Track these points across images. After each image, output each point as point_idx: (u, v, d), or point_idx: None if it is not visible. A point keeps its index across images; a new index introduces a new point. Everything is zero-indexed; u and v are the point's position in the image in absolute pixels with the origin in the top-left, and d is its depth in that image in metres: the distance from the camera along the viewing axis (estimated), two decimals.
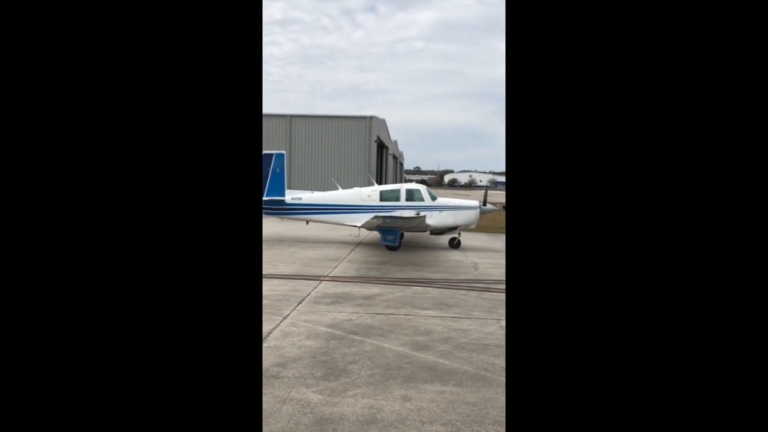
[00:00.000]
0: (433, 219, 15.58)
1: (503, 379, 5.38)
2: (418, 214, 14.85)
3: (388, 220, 14.63)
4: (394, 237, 15.30)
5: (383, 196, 16.32)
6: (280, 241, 16.92)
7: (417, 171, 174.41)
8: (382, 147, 41.19)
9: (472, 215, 16.15)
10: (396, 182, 45.58)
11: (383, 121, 41.57)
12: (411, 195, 16.18)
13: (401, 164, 75.41)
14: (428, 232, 16.88)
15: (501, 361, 5.92)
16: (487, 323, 7.58)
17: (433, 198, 16.22)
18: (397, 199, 16.13)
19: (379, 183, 26.33)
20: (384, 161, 44.31)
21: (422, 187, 16.85)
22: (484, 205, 16.32)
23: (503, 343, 6.65)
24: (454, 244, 16.31)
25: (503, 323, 7.59)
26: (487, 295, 9.63)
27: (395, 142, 57.44)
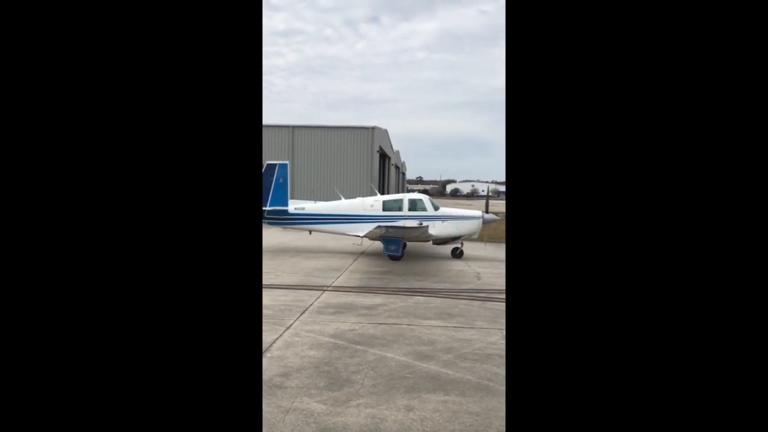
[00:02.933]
0: (435, 229, 15.59)
1: None
2: (421, 223, 14.85)
3: (390, 230, 14.64)
4: (397, 247, 15.30)
5: (386, 205, 16.34)
6: (283, 251, 16.93)
7: (419, 181, 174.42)
8: (384, 157, 41.26)
9: (474, 225, 16.16)
10: (398, 192, 45.63)
11: (385, 131, 41.68)
12: (414, 205, 16.20)
13: (403, 174, 75.48)
14: (431, 242, 16.88)
15: (504, 371, 5.90)
16: (489, 333, 7.57)
17: (436, 208, 16.23)
18: (400, 208, 16.14)
19: (382, 193, 26.35)
20: (386, 171, 44.39)
21: (425, 197, 16.86)
22: (486, 212, 16.34)
23: None
24: (457, 253, 16.30)
25: None
26: (489, 304, 9.62)
27: (397, 152, 57.55)
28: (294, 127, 34.23)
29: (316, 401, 4.93)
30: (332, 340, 7.02)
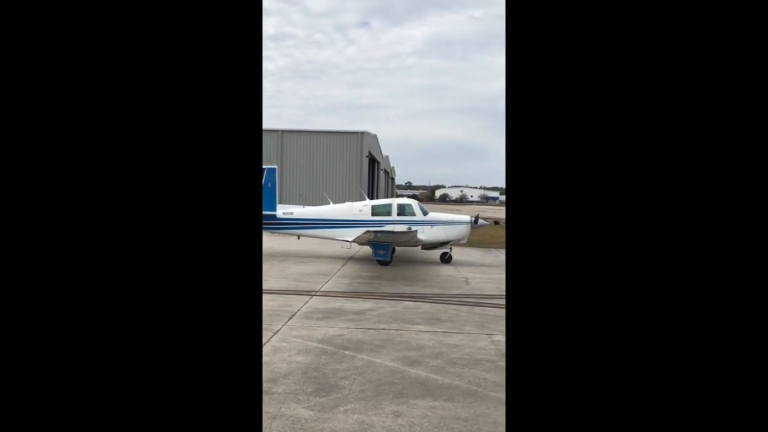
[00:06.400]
0: (424, 234, 15.58)
1: (495, 394, 5.37)
2: (410, 228, 14.85)
3: (379, 235, 14.62)
4: (386, 252, 15.28)
5: (375, 210, 16.33)
6: (271, 256, 16.85)
7: (408, 186, 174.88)
8: (373, 162, 41.29)
9: (463, 230, 16.19)
10: (387, 197, 45.67)
11: (375, 137, 41.73)
12: (402, 210, 16.21)
13: (392, 179, 75.62)
14: (420, 247, 16.88)
15: (492, 376, 5.90)
16: (478, 338, 7.57)
17: (425, 213, 16.24)
18: (389, 213, 16.14)
19: (371, 198, 26.36)
20: (375, 176, 44.40)
21: (414, 202, 16.88)
22: (476, 222, 16.39)
23: (495, 358, 6.64)
24: (446, 258, 16.31)
25: (495, 338, 7.58)
26: (478, 309, 9.62)
27: (386, 157, 57.65)
28: (283, 131, 34.14)
29: (304, 407, 4.89)
30: (320, 345, 6.97)
